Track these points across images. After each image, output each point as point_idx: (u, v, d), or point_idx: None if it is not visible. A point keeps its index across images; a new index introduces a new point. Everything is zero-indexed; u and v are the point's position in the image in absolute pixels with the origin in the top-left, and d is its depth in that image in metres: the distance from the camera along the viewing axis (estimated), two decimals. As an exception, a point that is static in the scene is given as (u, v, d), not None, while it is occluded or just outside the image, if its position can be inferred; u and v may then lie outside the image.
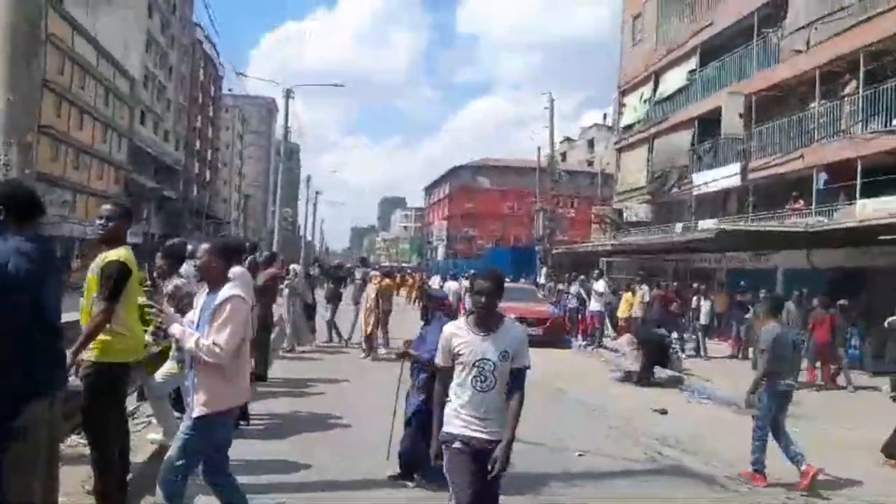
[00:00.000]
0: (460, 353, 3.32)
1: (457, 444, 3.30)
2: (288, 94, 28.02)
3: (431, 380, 5.19)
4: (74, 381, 4.18)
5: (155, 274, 6.98)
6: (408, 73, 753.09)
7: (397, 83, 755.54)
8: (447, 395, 3.45)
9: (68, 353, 4.00)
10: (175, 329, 3.82)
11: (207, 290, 3.91)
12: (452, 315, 6.21)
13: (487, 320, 3.36)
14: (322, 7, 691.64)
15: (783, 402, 6.31)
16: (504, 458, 3.19)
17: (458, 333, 3.39)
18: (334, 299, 15.08)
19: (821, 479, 6.11)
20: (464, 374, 3.33)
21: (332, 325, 14.75)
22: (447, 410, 3.41)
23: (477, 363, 3.27)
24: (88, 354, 4.16)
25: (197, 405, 3.73)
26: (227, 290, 3.76)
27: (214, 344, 3.62)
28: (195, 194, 69.24)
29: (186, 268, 5.94)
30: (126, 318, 4.26)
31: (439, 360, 3.48)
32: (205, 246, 4.01)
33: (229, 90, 75.84)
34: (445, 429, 3.38)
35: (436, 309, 5.97)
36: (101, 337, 4.13)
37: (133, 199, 48.64)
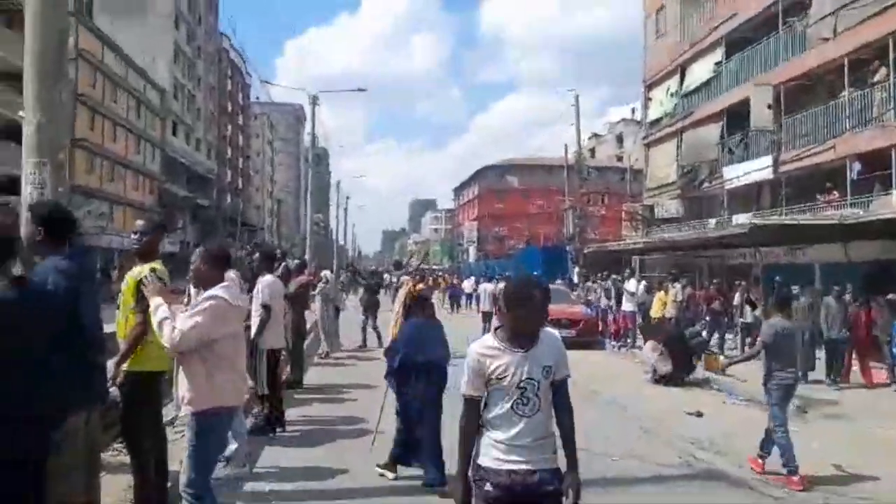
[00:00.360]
0: (501, 376, 2.80)
1: (488, 487, 2.80)
2: (314, 101, 28.31)
3: (400, 375, 5.42)
4: (115, 391, 4.31)
5: (191, 283, 7.16)
6: (432, 74, 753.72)
7: (422, 85, 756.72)
8: (477, 426, 2.89)
9: (110, 363, 4.15)
10: (154, 300, 3.83)
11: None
12: (433, 315, 6.11)
13: (524, 334, 2.86)
14: (344, 12, 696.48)
15: (786, 395, 6.42)
16: (577, 486, 2.80)
17: (492, 354, 2.83)
18: (372, 308, 15.06)
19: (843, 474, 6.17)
20: (502, 399, 2.82)
21: (365, 330, 14.76)
22: (483, 441, 2.87)
23: (520, 385, 2.80)
24: (124, 364, 4.28)
25: (182, 404, 3.82)
26: (212, 290, 3.83)
27: (174, 327, 3.65)
28: (228, 202, 70.36)
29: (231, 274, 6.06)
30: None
31: (469, 389, 2.88)
32: (197, 251, 4.14)
33: (257, 98, 76.82)
34: (481, 461, 2.85)
35: (418, 307, 5.92)
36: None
37: (167, 209, 49.71)
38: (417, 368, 5.34)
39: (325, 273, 14.78)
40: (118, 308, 4.48)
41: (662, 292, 16.81)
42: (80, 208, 32.41)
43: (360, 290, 16.92)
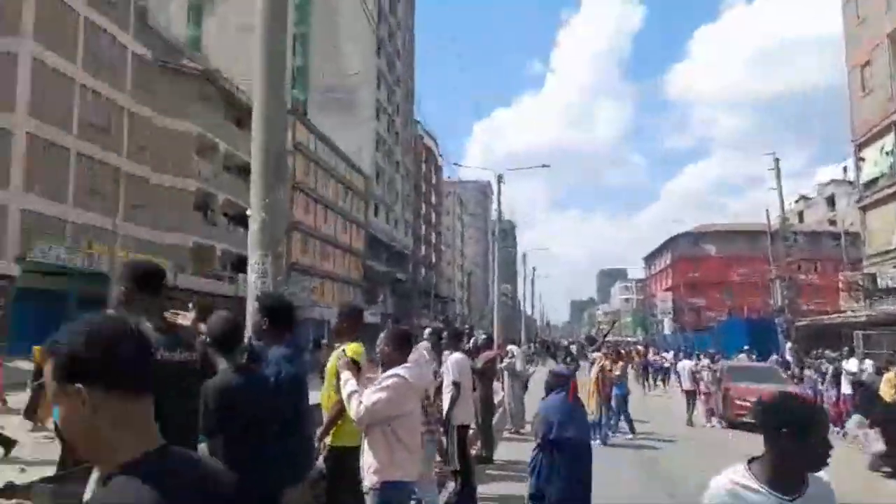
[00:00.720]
0: None
1: None
2: (499, 180, 29.29)
3: (550, 450, 5.04)
4: (321, 463, 4.67)
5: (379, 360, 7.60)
6: (617, 143, 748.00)
7: (607, 155, 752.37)
8: None
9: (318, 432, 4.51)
10: (344, 374, 4.06)
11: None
12: (575, 396, 5.77)
13: (798, 475, 2.16)
14: (529, 91, 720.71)
15: None
16: None
17: (745, 497, 2.13)
18: None
19: None
20: None
21: None
22: None
23: None
24: (326, 439, 4.64)
25: (367, 474, 3.94)
26: (395, 369, 4.02)
27: (360, 402, 3.83)
28: (423, 275, 74.09)
29: (413, 355, 6.37)
30: None
31: None
32: (382, 334, 4.38)
33: (448, 177, 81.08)
34: None
35: (558, 385, 5.66)
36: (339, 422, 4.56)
37: (370, 283, 53.62)
38: (566, 445, 5.13)
39: (512, 348, 14.83)
40: (321, 379, 4.87)
41: (892, 374, 14.71)
42: (296, 284, 36.02)
43: (550, 362, 16.66)
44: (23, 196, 24.78)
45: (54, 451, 7.88)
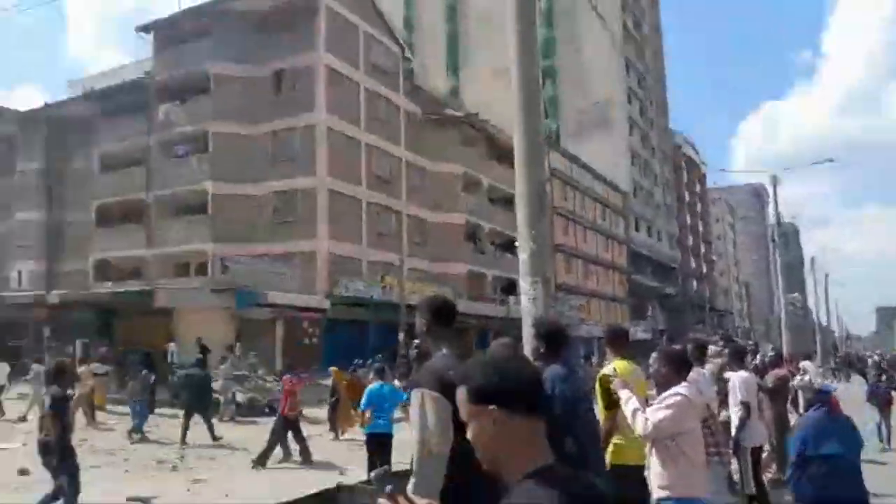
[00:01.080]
0: None
1: None
2: (774, 181, 26.81)
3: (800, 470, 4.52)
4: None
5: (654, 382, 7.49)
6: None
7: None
8: None
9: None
10: (623, 393, 4.16)
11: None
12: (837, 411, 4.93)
13: None
14: (801, 81, 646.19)
15: None
16: None
17: None
18: (885, 405, 12.99)
19: None
20: None
21: (879, 430, 12.66)
22: None
23: None
24: (607, 458, 4.67)
25: (655, 489, 3.98)
26: (676, 387, 4.05)
27: (646, 419, 3.90)
28: (694, 289, 70.16)
29: (694, 374, 6.24)
30: (626, 424, 4.60)
31: None
32: (654, 354, 4.36)
33: (714, 183, 76.17)
34: None
35: (818, 402, 4.89)
36: (614, 440, 4.65)
37: (636, 299, 52.47)
38: (825, 462, 4.53)
39: (805, 364, 13.41)
40: (593, 396, 5.03)
41: None
42: (564, 304, 36.82)
43: (856, 379, 14.65)
44: (328, 242, 29.31)
45: (361, 456, 9.11)
